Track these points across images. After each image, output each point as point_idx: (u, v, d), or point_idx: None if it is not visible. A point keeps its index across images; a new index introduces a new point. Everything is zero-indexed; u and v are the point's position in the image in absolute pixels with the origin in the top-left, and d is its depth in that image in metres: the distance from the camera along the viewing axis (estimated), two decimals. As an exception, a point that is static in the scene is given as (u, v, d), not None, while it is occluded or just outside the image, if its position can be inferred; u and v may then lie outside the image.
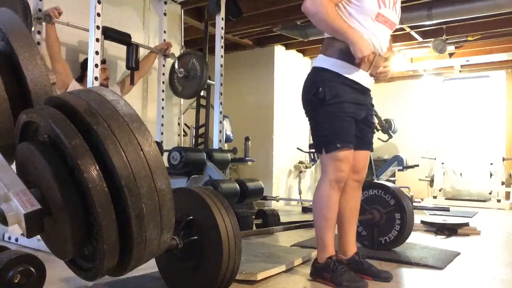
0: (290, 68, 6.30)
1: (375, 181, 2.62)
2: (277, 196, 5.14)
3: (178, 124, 4.41)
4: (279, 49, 6.14)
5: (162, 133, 3.80)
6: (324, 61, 1.98)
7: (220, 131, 3.66)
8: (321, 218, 1.98)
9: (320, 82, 1.96)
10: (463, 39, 5.50)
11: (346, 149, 1.95)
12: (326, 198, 1.96)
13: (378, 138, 7.02)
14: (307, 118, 2.09)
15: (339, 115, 1.95)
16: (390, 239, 2.63)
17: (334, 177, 1.95)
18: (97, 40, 2.74)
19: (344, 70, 1.94)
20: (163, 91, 3.83)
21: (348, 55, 1.90)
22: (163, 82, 3.85)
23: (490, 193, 6.72)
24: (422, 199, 6.65)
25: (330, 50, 1.97)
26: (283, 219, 3.69)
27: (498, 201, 6.31)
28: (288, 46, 6.23)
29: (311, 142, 5.70)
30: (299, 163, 6.17)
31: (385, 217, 2.63)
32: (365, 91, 2.04)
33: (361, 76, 1.98)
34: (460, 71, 7.31)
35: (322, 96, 1.94)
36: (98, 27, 2.74)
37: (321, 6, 1.84)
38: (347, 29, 1.86)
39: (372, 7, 1.91)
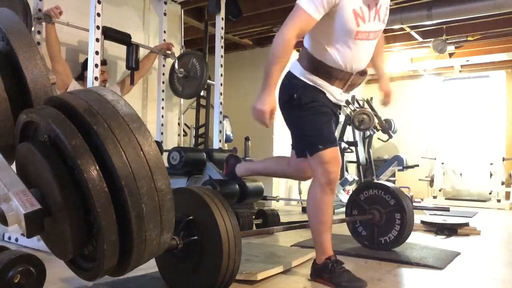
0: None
1: (375, 181, 2.62)
2: (277, 196, 5.14)
3: (178, 124, 4.41)
4: (279, 49, 6.13)
5: (162, 133, 3.80)
6: (300, 71, 2.00)
7: (220, 131, 3.66)
8: (317, 222, 1.99)
9: (294, 89, 1.98)
10: (463, 39, 5.50)
11: (329, 148, 1.93)
12: (319, 202, 1.96)
13: (378, 138, 7.03)
14: (286, 124, 2.11)
15: (318, 117, 1.96)
16: (390, 239, 2.62)
17: (325, 180, 1.93)
18: (97, 40, 2.74)
19: (318, 84, 1.97)
20: (163, 91, 3.83)
21: (322, 73, 1.94)
22: (163, 82, 3.85)
23: (490, 193, 6.72)
24: (422, 199, 6.66)
25: (306, 63, 1.98)
26: (283, 219, 3.68)
27: (498, 201, 6.30)
28: (288, 46, 6.23)
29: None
30: (299, 163, 6.16)
31: (385, 217, 2.63)
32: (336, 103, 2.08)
33: (334, 92, 2.01)
34: (460, 71, 7.32)
35: (298, 101, 1.96)
36: (98, 27, 2.73)
37: (280, 43, 1.79)
38: (272, 78, 1.81)
39: (350, 27, 1.86)
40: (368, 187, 2.73)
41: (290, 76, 2.03)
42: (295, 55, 2.06)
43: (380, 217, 2.64)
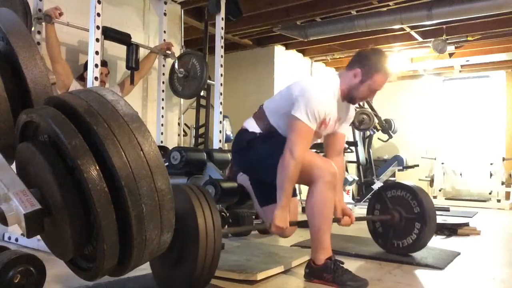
0: (290, 68, 6.30)
1: (406, 183, 2.52)
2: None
3: (178, 124, 4.41)
4: (279, 49, 6.14)
5: (162, 133, 3.80)
6: (257, 131, 2.24)
7: (220, 131, 3.66)
8: (321, 221, 1.98)
9: (253, 134, 2.23)
10: (463, 39, 5.50)
11: None
12: (325, 200, 1.97)
13: (378, 138, 7.02)
14: (253, 168, 2.30)
15: (279, 136, 2.15)
16: (404, 245, 2.52)
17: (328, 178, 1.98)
18: (97, 40, 2.74)
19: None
20: (163, 91, 3.83)
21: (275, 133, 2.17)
22: (163, 82, 3.85)
23: (490, 193, 6.72)
24: (422, 199, 6.65)
25: (264, 128, 2.21)
26: (283, 219, 3.67)
27: (498, 201, 6.31)
28: (288, 46, 6.24)
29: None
30: (299, 163, 6.15)
31: (405, 222, 2.52)
32: None
33: None
34: (460, 71, 7.32)
35: (259, 135, 2.20)
36: (98, 27, 2.73)
37: (294, 165, 1.96)
38: (286, 195, 2.00)
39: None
40: (397, 187, 2.62)
41: (247, 132, 2.27)
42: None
43: (399, 220, 2.53)
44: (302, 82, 2.12)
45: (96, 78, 2.72)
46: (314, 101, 1.99)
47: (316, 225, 2.00)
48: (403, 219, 2.53)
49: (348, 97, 2.14)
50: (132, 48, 3.32)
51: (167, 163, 3.05)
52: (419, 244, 2.50)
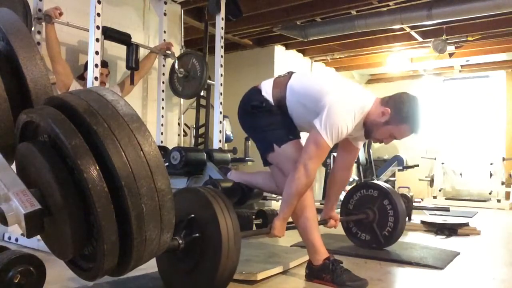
0: (290, 68, 6.28)
1: (355, 183, 2.74)
2: (277, 196, 5.13)
3: (178, 124, 4.41)
4: (279, 49, 6.14)
5: (162, 133, 3.80)
6: (269, 95, 2.14)
7: (220, 131, 3.66)
8: (302, 220, 1.99)
9: (262, 98, 2.14)
10: (463, 39, 5.50)
11: (297, 139, 2.08)
12: (302, 199, 1.96)
13: (378, 138, 7.01)
14: (248, 132, 2.28)
15: (282, 116, 2.09)
16: (391, 227, 2.61)
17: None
18: (97, 40, 2.74)
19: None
20: (163, 91, 3.83)
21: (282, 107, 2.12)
22: (163, 82, 3.85)
23: (490, 193, 6.72)
24: (422, 199, 6.65)
25: (277, 99, 2.11)
26: (283, 219, 3.67)
27: (498, 201, 6.31)
28: (288, 46, 6.24)
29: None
30: (299, 163, 6.15)
31: (377, 210, 2.64)
32: None
33: None
34: (460, 71, 7.32)
35: (266, 105, 2.11)
36: (98, 27, 2.73)
37: (306, 183, 1.90)
38: (290, 209, 1.94)
39: None
40: (351, 194, 2.78)
41: (258, 91, 2.19)
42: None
43: (373, 213, 2.66)
44: (335, 91, 1.98)
45: (96, 78, 2.72)
46: (340, 121, 1.89)
47: (301, 226, 2.01)
48: (375, 210, 2.65)
49: (366, 128, 2.04)
50: (132, 48, 3.32)
51: (167, 163, 3.05)
52: (399, 216, 2.59)
